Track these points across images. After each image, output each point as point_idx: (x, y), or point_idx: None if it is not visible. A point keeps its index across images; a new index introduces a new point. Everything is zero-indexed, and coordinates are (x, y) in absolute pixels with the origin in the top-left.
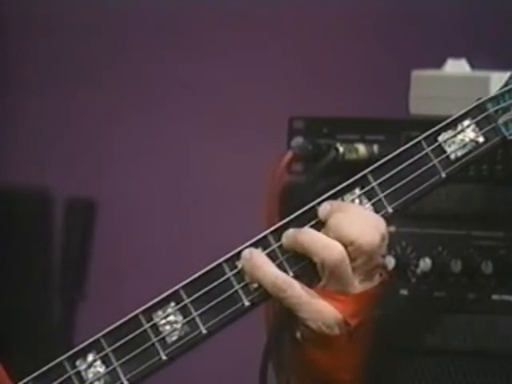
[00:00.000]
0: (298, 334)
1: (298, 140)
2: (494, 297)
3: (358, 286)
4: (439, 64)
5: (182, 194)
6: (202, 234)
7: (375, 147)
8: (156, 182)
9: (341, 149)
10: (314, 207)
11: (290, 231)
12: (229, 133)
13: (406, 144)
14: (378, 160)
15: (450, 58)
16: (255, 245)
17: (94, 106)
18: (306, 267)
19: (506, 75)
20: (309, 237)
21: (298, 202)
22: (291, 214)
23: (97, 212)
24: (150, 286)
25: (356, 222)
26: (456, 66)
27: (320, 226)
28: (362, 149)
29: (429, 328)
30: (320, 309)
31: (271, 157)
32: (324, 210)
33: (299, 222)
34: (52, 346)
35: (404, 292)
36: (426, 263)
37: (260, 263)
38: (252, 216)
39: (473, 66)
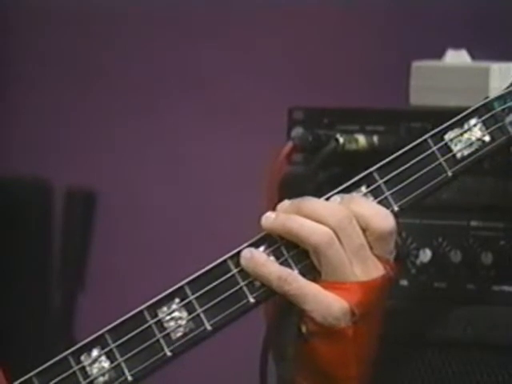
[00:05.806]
0: (304, 328)
1: (298, 131)
2: (494, 288)
3: (360, 274)
4: (439, 55)
5: (182, 185)
6: (202, 224)
7: (375, 138)
8: (156, 172)
9: (341, 139)
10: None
11: (280, 216)
12: (229, 123)
13: (406, 135)
14: (378, 151)
15: (450, 49)
16: (260, 242)
17: (94, 97)
18: (310, 265)
19: (506, 66)
20: (297, 223)
21: (298, 192)
22: None
23: (97, 203)
24: (150, 277)
25: (374, 207)
26: (456, 57)
27: None
28: (361, 139)
29: (428, 319)
30: (326, 299)
31: (271, 147)
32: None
33: None
34: (52, 338)
35: (404, 283)
36: (425, 254)
37: (263, 260)
38: (252, 207)
39: (473, 56)
